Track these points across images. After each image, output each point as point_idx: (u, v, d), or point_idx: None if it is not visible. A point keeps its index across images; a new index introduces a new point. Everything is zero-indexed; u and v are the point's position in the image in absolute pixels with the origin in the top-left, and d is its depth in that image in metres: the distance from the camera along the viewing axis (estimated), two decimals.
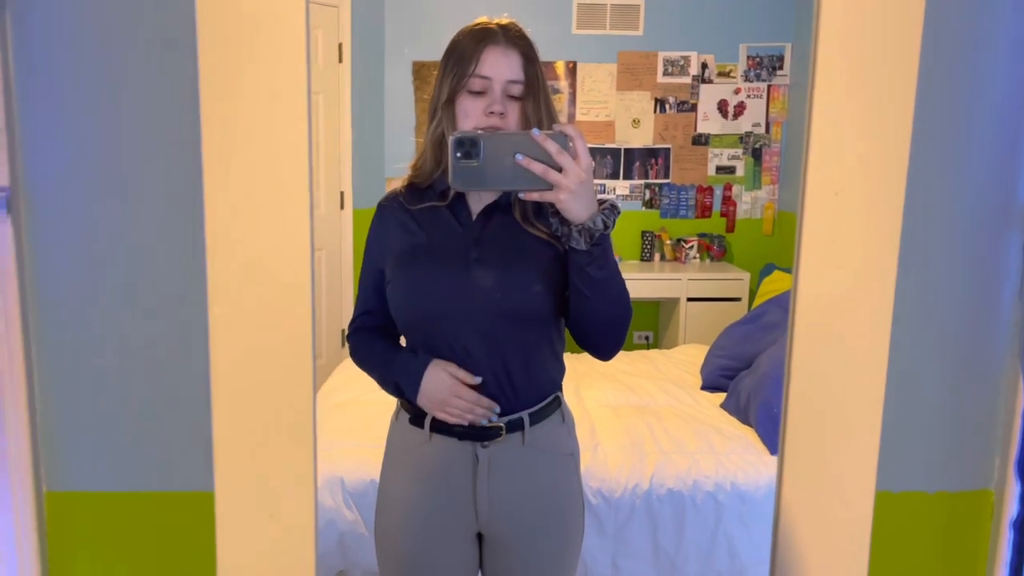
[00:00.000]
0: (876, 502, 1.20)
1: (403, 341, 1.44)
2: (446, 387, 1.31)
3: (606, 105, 4.41)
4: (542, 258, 1.31)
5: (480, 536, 1.44)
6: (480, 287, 1.30)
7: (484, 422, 1.34)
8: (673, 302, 4.27)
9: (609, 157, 4.45)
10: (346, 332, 1.52)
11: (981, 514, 1.25)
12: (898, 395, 1.20)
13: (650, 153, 4.47)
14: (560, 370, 1.44)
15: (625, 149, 4.45)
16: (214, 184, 1.10)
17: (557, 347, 1.41)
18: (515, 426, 1.36)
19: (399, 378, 1.36)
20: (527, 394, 1.37)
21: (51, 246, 1.15)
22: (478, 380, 1.33)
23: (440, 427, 1.36)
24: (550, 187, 1.12)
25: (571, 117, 4.39)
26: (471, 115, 1.27)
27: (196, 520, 1.18)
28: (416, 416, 1.39)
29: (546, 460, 1.40)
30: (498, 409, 1.35)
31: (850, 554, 1.21)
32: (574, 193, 1.12)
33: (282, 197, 1.12)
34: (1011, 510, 1.19)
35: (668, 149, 4.46)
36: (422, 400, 1.34)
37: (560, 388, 1.45)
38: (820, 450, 1.18)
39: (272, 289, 1.13)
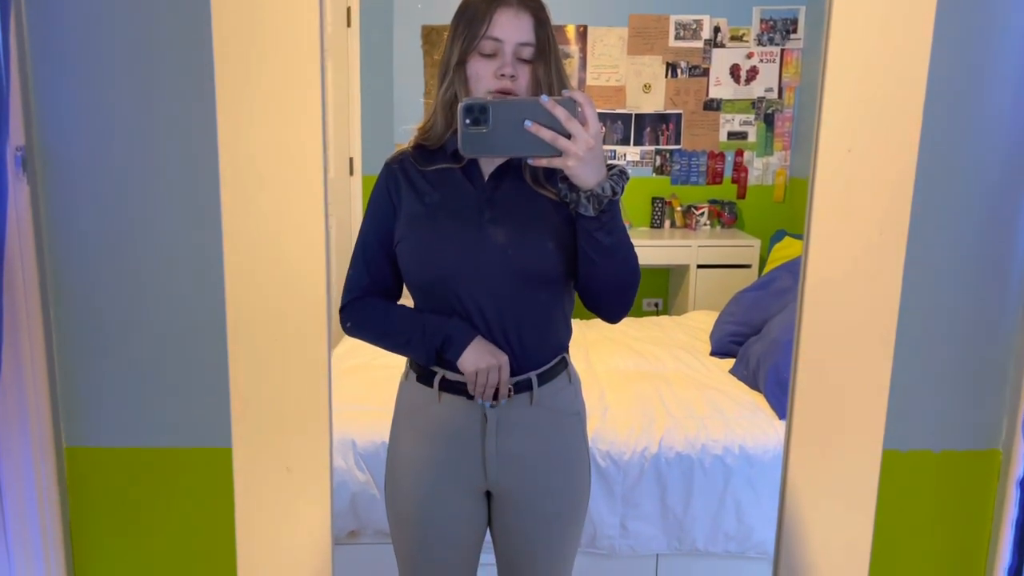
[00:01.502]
0: (883, 461, 1.21)
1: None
2: (494, 357, 1.32)
3: (617, 70, 4.36)
4: (554, 219, 1.31)
5: (489, 494, 1.46)
6: (494, 246, 1.30)
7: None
8: (683, 269, 4.26)
9: (620, 122, 4.41)
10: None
11: (988, 473, 1.26)
12: (908, 355, 1.21)
13: (661, 119, 4.42)
14: (568, 332, 1.45)
15: (636, 114, 4.41)
16: (228, 147, 1.11)
17: (567, 309, 1.42)
18: (523, 386, 1.37)
19: (452, 331, 1.34)
20: (536, 355, 1.38)
21: (67, 204, 1.16)
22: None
23: (449, 386, 1.38)
24: (559, 153, 1.12)
25: (581, 82, 4.34)
26: (482, 77, 1.27)
27: (214, 475, 1.20)
28: (425, 375, 1.40)
29: (553, 419, 1.41)
30: (505, 402, 1.37)
31: (856, 511, 1.22)
32: (583, 160, 1.12)
33: (295, 163, 1.12)
34: (1018, 469, 1.20)
35: (679, 114, 4.42)
36: (468, 355, 1.33)
37: (567, 349, 1.46)
38: (828, 408, 1.18)
39: (286, 250, 1.13)
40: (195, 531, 1.25)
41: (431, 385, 1.39)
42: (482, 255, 1.31)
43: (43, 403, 1.17)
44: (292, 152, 1.11)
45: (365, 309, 1.43)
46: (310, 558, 1.23)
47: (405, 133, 1.39)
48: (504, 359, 1.34)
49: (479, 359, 1.32)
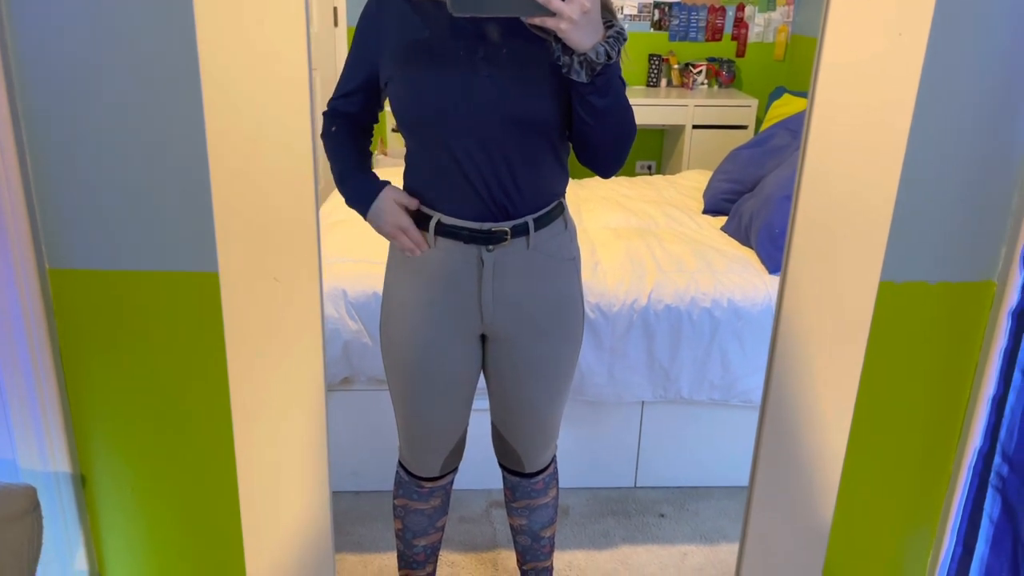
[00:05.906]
0: (878, 292, 1.21)
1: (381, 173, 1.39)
2: (391, 220, 1.36)
3: None
4: (548, 61, 1.25)
5: (483, 337, 1.47)
6: (487, 86, 1.25)
7: (489, 226, 1.33)
8: (678, 130, 4.17)
9: None
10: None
11: (981, 304, 1.27)
12: (911, 186, 1.19)
13: None
14: (563, 178, 1.42)
15: None
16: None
17: (561, 154, 1.38)
18: (520, 231, 1.35)
19: (351, 200, 1.41)
20: (531, 200, 1.36)
21: (36, 19, 1.09)
22: (415, 205, 1.37)
23: (445, 231, 1.36)
24: (553, 14, 1.07)
25: None
26: None
27: (203, 299, 1.19)
28: (421, 220, 1.37)
29: (549, 264, 1.40)
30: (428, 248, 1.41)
31: (848, 342, 1.23)
32: (576, 23, 1.08)
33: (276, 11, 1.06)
34: (1012, 299, 1.20)
35: None
36: (371, 220, 1.39)
37: (563, 195, 1.44)
38: (828, 237, 1.17)
39: (266, 66, 1.08)
40: (186, 352, 1.26)
41: (427, 230, 1.37)
42: (475, 95, 1.26)
43: (22, 226, 1.13)
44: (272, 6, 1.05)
45: (330, 139, 1.43)
46: (302, 365, 1.24)
47: None
48: (404, 223, 1.36)
49: (379, 226, 1.38)
